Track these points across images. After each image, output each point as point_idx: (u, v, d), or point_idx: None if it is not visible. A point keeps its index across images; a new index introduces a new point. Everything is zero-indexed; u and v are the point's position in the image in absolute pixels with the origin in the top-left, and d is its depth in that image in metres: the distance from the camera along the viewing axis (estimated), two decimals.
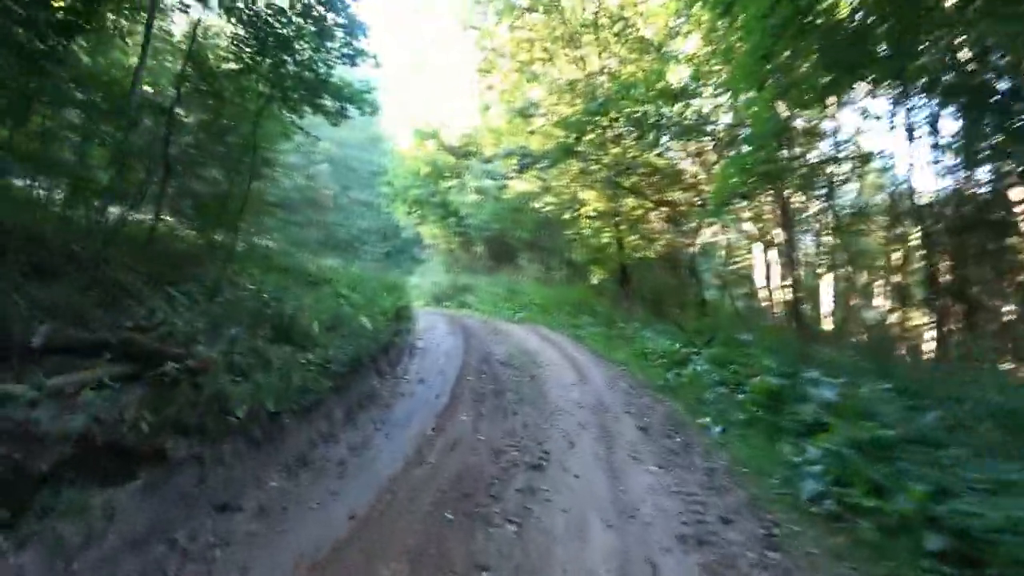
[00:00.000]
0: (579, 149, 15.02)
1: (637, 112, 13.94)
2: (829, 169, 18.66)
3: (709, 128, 16.24)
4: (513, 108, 17.57)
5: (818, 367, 7.71)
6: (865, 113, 18.34)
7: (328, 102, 12.19)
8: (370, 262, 39.27)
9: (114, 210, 13.07)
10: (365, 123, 47.19)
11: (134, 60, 15.27)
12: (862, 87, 16.70)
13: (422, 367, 8.73)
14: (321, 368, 6.67)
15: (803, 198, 19.39)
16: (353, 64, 11.73)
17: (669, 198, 18.09)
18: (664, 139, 16.73)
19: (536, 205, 19.26)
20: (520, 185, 19.65)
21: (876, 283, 22.14)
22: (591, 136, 15.12)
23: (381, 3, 26.58)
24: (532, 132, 17.18)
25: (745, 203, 13.65)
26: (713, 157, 17.78)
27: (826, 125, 17.76)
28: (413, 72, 33.10)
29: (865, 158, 18.50)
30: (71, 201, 12.58)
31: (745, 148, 10.68)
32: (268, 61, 11.38)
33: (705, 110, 14.80)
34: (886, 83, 12.83)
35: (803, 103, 9.07)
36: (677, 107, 13.60)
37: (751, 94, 8.95)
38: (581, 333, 13.15)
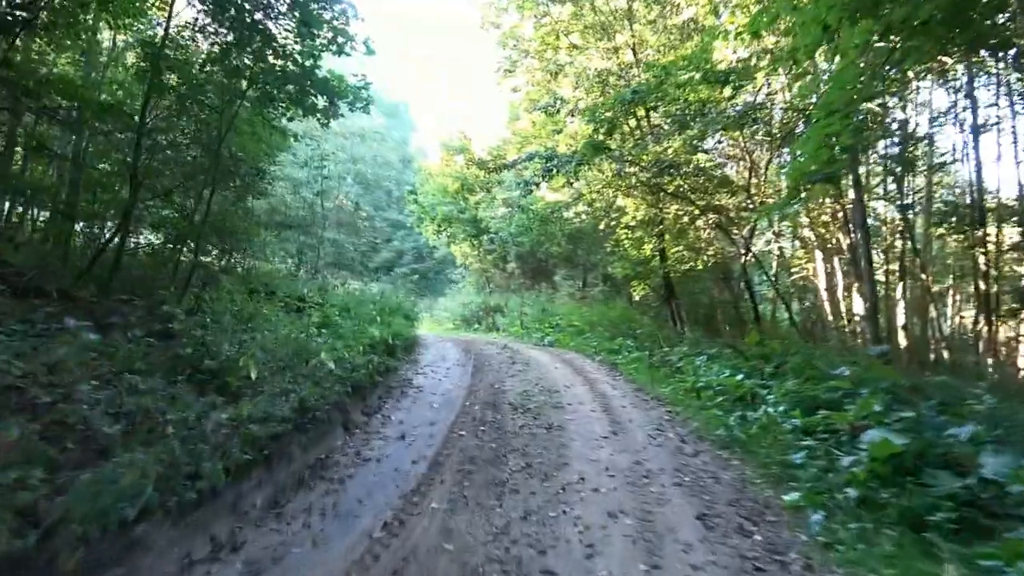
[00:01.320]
0: (611, 146, 12.87)
1: (678, 101, 11.75)
2: (899, 166, 16.34)
3: (760, 122, 14.05)
4: (537, 106, 15.53)
5: (949, 411, 5.41)
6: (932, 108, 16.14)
7: (317, 99, 10.46)
8: (406, 284, 37.83)
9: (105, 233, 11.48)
10: (399, 142, 46.10)
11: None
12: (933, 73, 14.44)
13: (409, 416, 6.68)
14: (243, 431, 4.69)
15: (868, 199, 17.12)
16: (341, 52, 9.94)
17: (717, 203, 15.81)
18: (710, 138, 14.57)
19: (568, 215, 17.20)
20: (549, 194, 17.64)
21: (954, 292, 19.55)
22: (625, 131, 12.99)
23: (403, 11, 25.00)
24: (559, 131, 15.10)
25: (817, 187, 11.23)
26: (765, 156, 15.56)
27: (894, 116, 15.51)
28: (440, 83, 31.65)
29: (933, 152, 16.22)
30: (51, 226, 11.16)
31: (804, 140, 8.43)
32: (244, 53, 9.73)
33: (758, 99, 12.56)
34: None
35: (893, 63, 6.81)
36: (726, 91, 11.36)
37: (823, 50, 6.79)
38: (619, 360, 10.95)
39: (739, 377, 7.61)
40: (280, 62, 9.90)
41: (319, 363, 6.08)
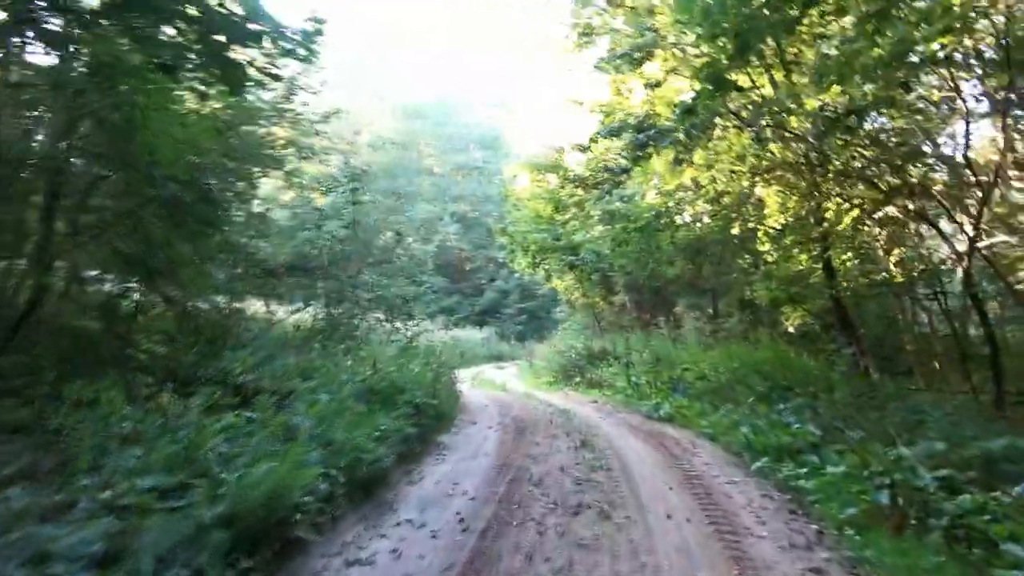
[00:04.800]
0: (740, 83, 7.44)
1: None
2: None
3: None
4: (617, 54, 10.06)
5: None
6: None
7: (237, 55, 6.06)
8: (513, 327, 33.43)
9: None
10: (497, 174, 42.24)
11: None
12: None
13: None
14: None
15: None
16: None
17: (913, 181, 9.85)
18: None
19: (683, 219, 11.81)
20: (651, 195, 12.39)
21: None
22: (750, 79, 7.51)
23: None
24: (654, 85, 9.57)
25: None
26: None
27: None
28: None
29: None
30: None
31: None
32: None
33: None
34: None
35: None
36: None
37: None
38: (804, 481, 5.27)
39: None
40: None
41: None
